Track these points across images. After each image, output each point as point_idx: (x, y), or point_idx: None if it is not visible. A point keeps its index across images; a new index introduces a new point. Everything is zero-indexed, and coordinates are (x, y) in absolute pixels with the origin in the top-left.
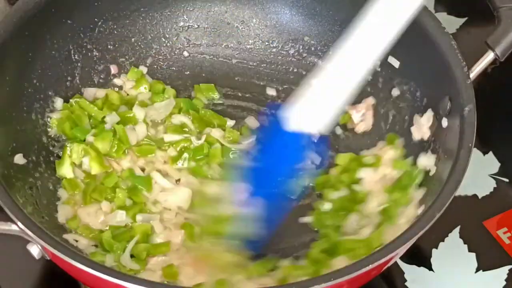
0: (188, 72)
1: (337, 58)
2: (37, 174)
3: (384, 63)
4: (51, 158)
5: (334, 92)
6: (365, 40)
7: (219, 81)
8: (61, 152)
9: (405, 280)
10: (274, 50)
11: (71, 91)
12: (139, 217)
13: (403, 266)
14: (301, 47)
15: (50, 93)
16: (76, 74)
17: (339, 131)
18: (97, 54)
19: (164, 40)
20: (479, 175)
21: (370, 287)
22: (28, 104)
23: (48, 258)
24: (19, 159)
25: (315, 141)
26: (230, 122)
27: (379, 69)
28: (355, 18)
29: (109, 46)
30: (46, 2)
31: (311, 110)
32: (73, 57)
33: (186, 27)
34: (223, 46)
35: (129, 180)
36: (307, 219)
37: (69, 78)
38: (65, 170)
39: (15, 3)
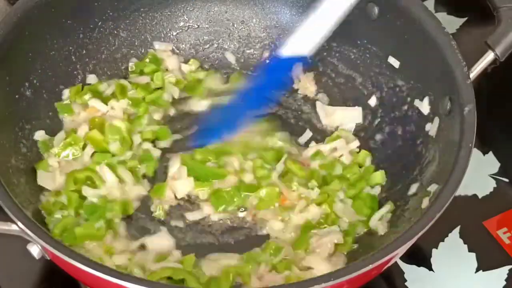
0: None
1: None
2: None
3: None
4: None
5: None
6: None
7: None
8: None
9: (405, 280)
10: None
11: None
12: None
13: (403, 266)
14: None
15: (50, 93)
16: (76, 74)
17: None
18: (97, 54)
19: (164, 40)
20: (479, 175)
21: (370, 287)
22: (28, 105)
23: (48, 258)
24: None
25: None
26: None
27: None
28: (355, 18)
29: (109, 46)
30: (46, 2)
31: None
32: (73, 57)
33: (186, 27)
34: (223, 46)
35: None
36: None
37: (69, 79)
38: None
39: (15, 3)
